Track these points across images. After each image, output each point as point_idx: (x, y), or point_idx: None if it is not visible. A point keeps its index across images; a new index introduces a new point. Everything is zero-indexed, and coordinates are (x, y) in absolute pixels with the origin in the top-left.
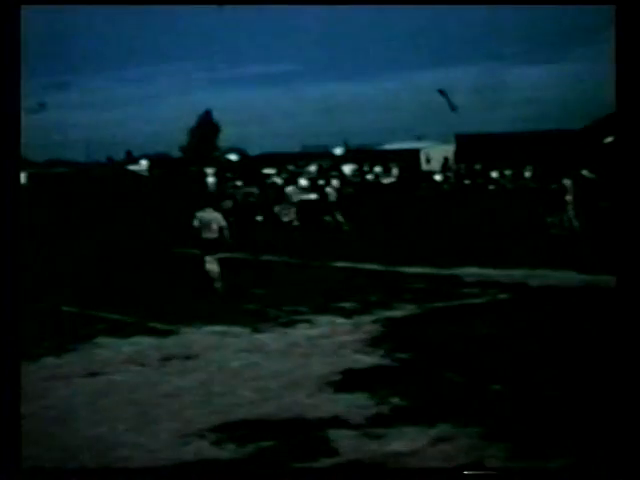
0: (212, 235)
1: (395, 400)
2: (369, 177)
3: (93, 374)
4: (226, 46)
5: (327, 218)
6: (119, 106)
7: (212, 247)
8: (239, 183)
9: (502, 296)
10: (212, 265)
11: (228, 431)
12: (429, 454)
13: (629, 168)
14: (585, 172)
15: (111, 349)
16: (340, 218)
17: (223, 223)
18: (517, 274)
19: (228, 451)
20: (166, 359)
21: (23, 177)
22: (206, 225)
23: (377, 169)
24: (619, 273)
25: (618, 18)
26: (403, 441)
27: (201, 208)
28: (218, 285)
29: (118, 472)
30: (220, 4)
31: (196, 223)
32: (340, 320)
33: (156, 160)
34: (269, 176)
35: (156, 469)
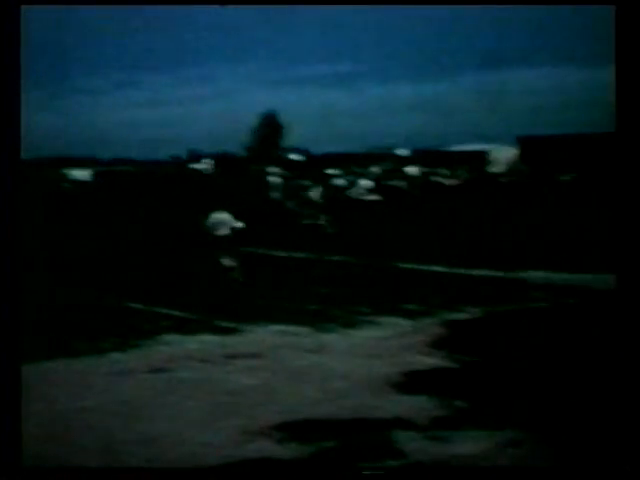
0: (224, 232)
1: (458, 403)
2: (434, 179)
3: (157, 370)
4: (290, 46)
5: (307, 221)
6: (183, 105)
7: (225, 244)
8: (303, 183)
9: (568, 300)
10: (227, 260)
11: (291, 430)
12: (493, 457)
13: (629, 168)
14: None
15: (175, 346)
16: (323, 221)
17: (235, 223)
18: (583, 278)
19: (291, 450)
20: (230, 357)
21: (89, 175)
22: (218, 224)
23: (442, 171)
24: None
25: (618, 18)
26: (467, 444)
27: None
28: (236, 275)
29: (122, 472)
30: (222, 4)
31: (209, 223)
32: (403, 322)
33: (220, 159)
34: (332, 177)
35: (219, 467)
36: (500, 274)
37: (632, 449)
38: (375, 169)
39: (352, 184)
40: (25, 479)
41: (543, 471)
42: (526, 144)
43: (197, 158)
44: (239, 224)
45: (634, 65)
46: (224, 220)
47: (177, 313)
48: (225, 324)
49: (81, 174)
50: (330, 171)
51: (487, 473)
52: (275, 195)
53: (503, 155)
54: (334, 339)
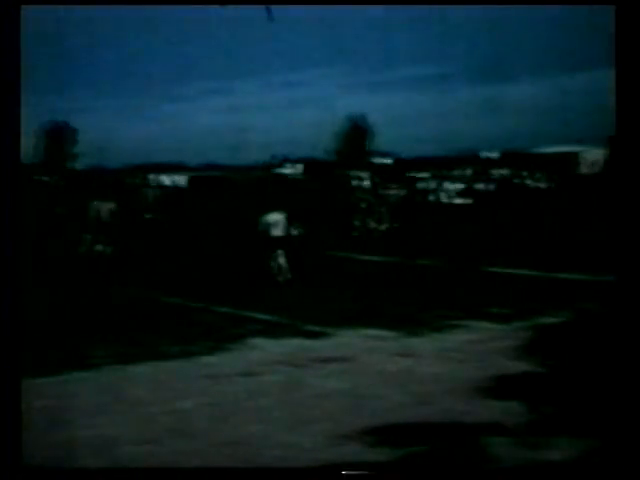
0: (278, 233)
1: (548, 409)
2: (522, 181)
3: (248, 374)
4: (375, 50)
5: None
6: (269, 110)
7: (278, 244)
8: (392, 187)
9: None
10: (279, 259)
11: (381, 434)
12: (583, 465)
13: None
14: None
15: (264, 350)
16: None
17: (286, 223)
18: None
19: (381, 454)
20: (319, 361)
21: (184, 180)
22: (272, 225)
23: (531, 173)
24: None
25: (618, 18)
26: (559, 451)
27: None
28: (281, 278)
29: (121, 473)
30: (222, 4)
31: (261, 226)
32: (493, 326)
33: (309, 164)
34: (420, 180)
35: (308, 469)
36: (590, 277)
37: None
38: (463, 172)
39: (440, 187)
40: (25, 479)
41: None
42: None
43: (285, 163)
44: (293, 226)
45: (634, 65)
46: (278, 221)
47: (265, 317)
48: (313, 328)
49: (172, 179)
50: (418, 174)
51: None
52: (363, 199)
53: (595, 156)
54: (423, 343)
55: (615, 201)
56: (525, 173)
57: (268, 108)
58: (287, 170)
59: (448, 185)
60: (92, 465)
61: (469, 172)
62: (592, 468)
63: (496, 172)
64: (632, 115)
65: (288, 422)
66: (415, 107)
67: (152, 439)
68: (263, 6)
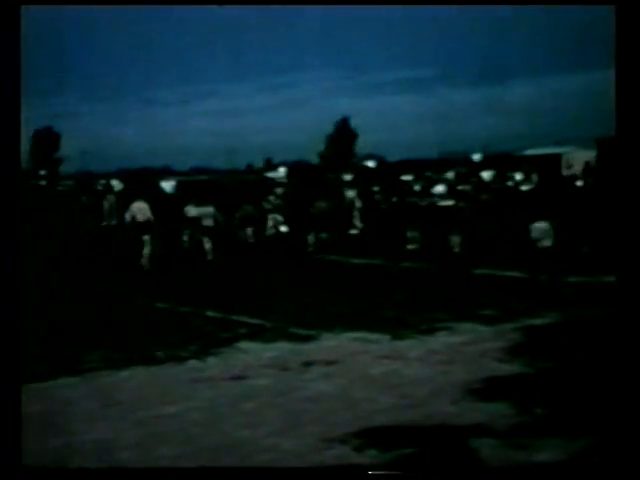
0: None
1: (538, 410)
2: (509, 183)
3: (236, 378)
4: (364, 52)
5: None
6: (260, 113)
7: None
8: (376, 190)
9: None
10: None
11: (370, 437)
12: (574, 467)
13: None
14: None
15: (253, 354)
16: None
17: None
18: None
19: (370, 457)
20: (307, 364)
21: (172, 185)
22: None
23: (517, 175)
24: None
25: (618, 18)
26: (548, 452)
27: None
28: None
29: (119, 473)
30: (220, 4)
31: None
32: (481, 328)
33: (294, 167)
34: (407, 183)
35: (299, 472)
36: (580, 279)
37: None
38: (449, 174)
39: (426, 190)
40: (25, 479)
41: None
42: (603, 146)
43: (273, 167)
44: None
45: (635, 66)
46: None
47: (253, 321)
48: (301, 331)
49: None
50: (404, 177)
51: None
52: (348, 202)
53: (579, 158)
54: (411, 345)
55: (601, 202)
56: (510, 174)
57: (256, 111)
58: (276, 174)
59: (434, 187)
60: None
61: (456, 174)
62: (581, 469)
63: (483, 174)
64: (632, 115)
65: (277, 426)
66: (405, 109)
67: (139, 444)
68: (256, 7)
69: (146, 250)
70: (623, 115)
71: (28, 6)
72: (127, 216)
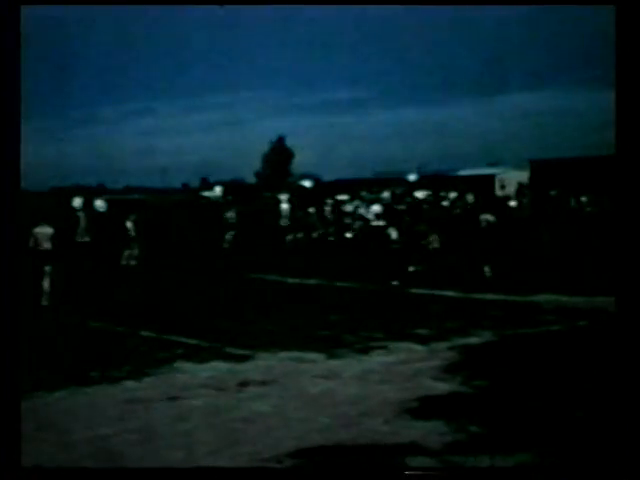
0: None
1: (473, 428)
2: (443, 203)
3: (172, 398)
4: (299, 73)
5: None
6: (195, 133)
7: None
8: (311, 210)
9: (581, 323)
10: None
11: (305, 456)
12: None
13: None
14: None
15: (189, 374)
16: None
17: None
18: (596, 301)
19: (306, 477)
20: (243, 384)
21: (102, 203)
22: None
23: (451, 195)
24: None
25: (618, 18)
26: (482, 470)
27: None
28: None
29: (118, 473)
30: (221, 4)
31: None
32: (416, 347)
33: (230, 186)
34: (343, 202)
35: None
36: (512, 298)
37: None
38: (385, 194)
39: (360, 210)
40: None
41: None
42: (538, 167)
43: (209, 186)
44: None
45: (634, 66)
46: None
47: (189, 341)
48: (237, 351)
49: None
50: (339, 197)
51: None
52: (284, 222)
53: (513, 178)
54: (346, 365)
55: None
56: (444, 194)
57: (195, 130)
58: (212, 193)
59: (368, 207)
60: None
61: (391, 194)
62: None
63: (417, 194)
64: (632, 115)
65: (212, 446)
66: (340, 129)
67: (72, 467)
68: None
69: (45, 283)
70: (623, 115)
71: None
72: (30, 242)
